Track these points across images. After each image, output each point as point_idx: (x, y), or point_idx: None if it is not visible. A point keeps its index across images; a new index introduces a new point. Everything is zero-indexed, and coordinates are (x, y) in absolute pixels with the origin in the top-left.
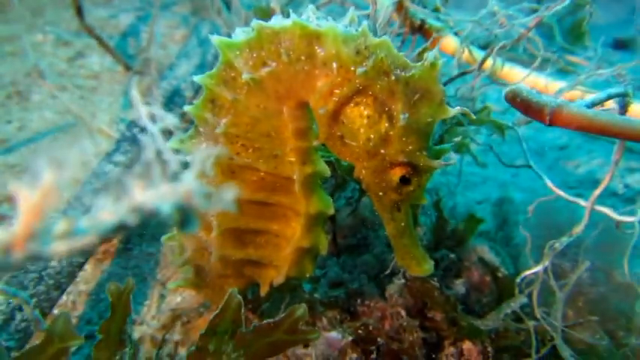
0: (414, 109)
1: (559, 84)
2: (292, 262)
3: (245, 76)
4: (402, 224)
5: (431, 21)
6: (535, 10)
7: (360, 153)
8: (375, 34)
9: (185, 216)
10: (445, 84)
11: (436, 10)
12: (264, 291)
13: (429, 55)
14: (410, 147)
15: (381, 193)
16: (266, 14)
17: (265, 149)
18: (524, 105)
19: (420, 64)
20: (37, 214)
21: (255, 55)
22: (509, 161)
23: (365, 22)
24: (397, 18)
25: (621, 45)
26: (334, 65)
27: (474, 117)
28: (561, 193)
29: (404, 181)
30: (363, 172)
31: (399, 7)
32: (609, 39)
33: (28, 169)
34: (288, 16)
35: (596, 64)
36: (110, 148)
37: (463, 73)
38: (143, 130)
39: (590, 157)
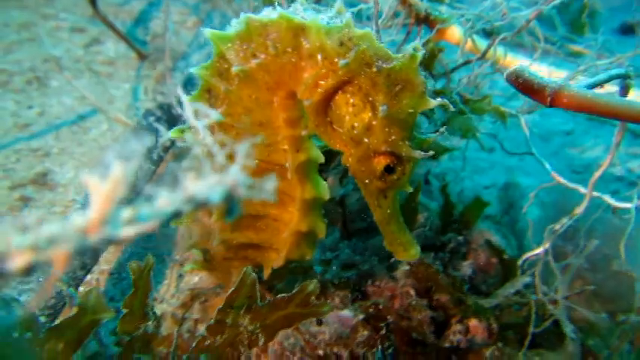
0: (395, 100)
1: (561, 73)
2: (291, 245)
3: (235, 69)
4: (389, 211)
5: (435, 12)
6: (536, 2)
7: (347, 140)
8: (378, 31)
9: (231, 204)
10: (451, 72)
11: (440, 1)
12: (266, 274)
13: (409, 47)
14: (392, 137)
15: (366, 181)
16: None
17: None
18: (525, 86)
19: (400, 55)
20: (108, 201)
21: (245, 47)
22: (516, 146)
23: (348, 14)
24: (402, 9)
25: (629, 30)
26: (319, 57)
27: (453, 108)
28: (560, 179)
29: (388, 170)
30: (350, 159)
31: (403, 0)
32: (616, 23)
33: (99, 162)
34: (289, 6)
35: (597, 53)
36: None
37: (466, 62)
38: (159, 119)
39: (596, 142)
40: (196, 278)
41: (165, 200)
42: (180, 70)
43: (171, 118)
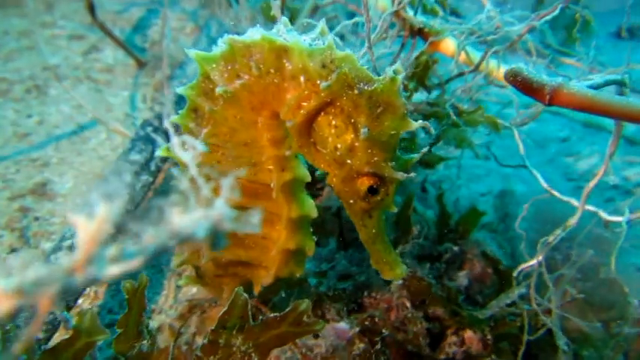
0: (377, 122)
1: None
2: (280, 263)
3: (218, 90)
4: (374, 230)
5: (429, 24)
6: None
7: (330, 161)
8: (370, 47)
9: (216, 237)
10: (445, 83)
11: (433, 12)
12: (256, 290)
13: (389, 70)
14: (375, 158)
15: (351, 201)
16: (271, 10)
17: (244, 157)
18: (524, 84)
19: (382, 77)
20: (93, 242)
21: (229, 67)
22: (512, 154)
23: (330, 36)
24: (397, 21)
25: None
26: (302, 79)
27: (434, 131)
28: (555, 193)
29: (372, 191)
30: (334, 180)
31: (397, 14)
32: (613, 27)
33: (83, 201)
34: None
35: (589, 66)
36: (124, 144)
37: (460, 74)
38: (156, 129)
39: (592, 149)
40: (194, 289)
41: (150, 236)
42: (179, 78)
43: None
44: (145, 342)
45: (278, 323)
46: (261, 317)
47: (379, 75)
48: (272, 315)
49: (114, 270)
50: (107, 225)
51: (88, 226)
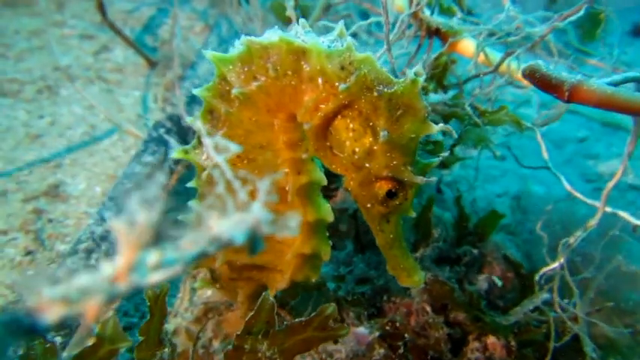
0: (396, 125)
1: None
2: (295, 267)
3: (234, 91)
4: (391, 236)
5: (447, 24)
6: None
7: (347, 165)
8: (389, 49)
9: (254, 241)
10: (463, 83)
11: (450, 11)
12: (271, 294)
13: (410, 72)
14: (394, 162)
15: (368, 205)
16: (283, 8)
17: (259, 160)
18: (543, 81)
19: (402, 80)
20: (135, 249)
21: (246, 69)
22: (529, 154)
23: (349, 38)
24: (414, 22)
25: None
26: (320, 80)
27: (456, 134)
28: (578, 195)
29: (390, 195)
30: (352, 183)
31: (415, 14)
32: (628, 25)
33: (124, 208)
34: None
35: (613, 66)
36: (137, 147)
37: (477, 75)
38: (169, 131)
39: (610, 149)
40: (209, 292)
41: (189, 242)
42: (190, 79)
43: (180, 129)
44: (166, 350)
45: (303, 328)
46: (286, 323)
47: (397, 76)
48: (297, 320)
49: (155, 277)
50: (148, 232)
51: (129, 233)
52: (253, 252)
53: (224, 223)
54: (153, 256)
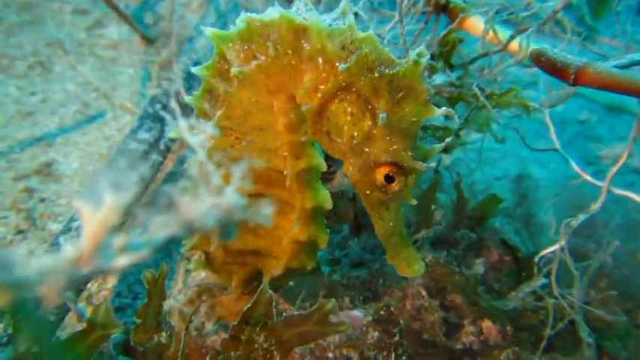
0: (397, 108)
1: None
2: (291, 254)
3: (233, 70)
4: (391, 224)
5: (456, 0)
6: None
7: (346, 150)
8: (402, 20)
9: (226, 227)
10: (469, 63)
11: None
12: (266, 279)
13: (412, 53)
14: (394, 146)
15: (367, 192)
16: None
17: (258, 142)
18: (549, 64)
19: (404, 60)
20: (100, 231)
21: (246, 47)
22: (530, 135)
23: (352, 16)
24: None
25: None
26: (320, 60)
27: (457, 118)
28: (587, 176)
29: (388, 179)
30: (350, 169)
31: None
32: (634, 2)
33: (91, 189)
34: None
35: (626, 45)
36: (132, 124)
37: (485, 54)
38: (165, 107)
39: (612, 132)
40: (203, 274)
41: (158, 226)
42: (187, 54)
43: (178, 105)
44: (163, 333)
45: (302, 321)
46: (284, 315)
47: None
48: (296, 313)
49: (121, 261)
50: (115, 215)
51: (95, 216)
52: (225, 238)
53: (195, 207)
54: (119, 239)
